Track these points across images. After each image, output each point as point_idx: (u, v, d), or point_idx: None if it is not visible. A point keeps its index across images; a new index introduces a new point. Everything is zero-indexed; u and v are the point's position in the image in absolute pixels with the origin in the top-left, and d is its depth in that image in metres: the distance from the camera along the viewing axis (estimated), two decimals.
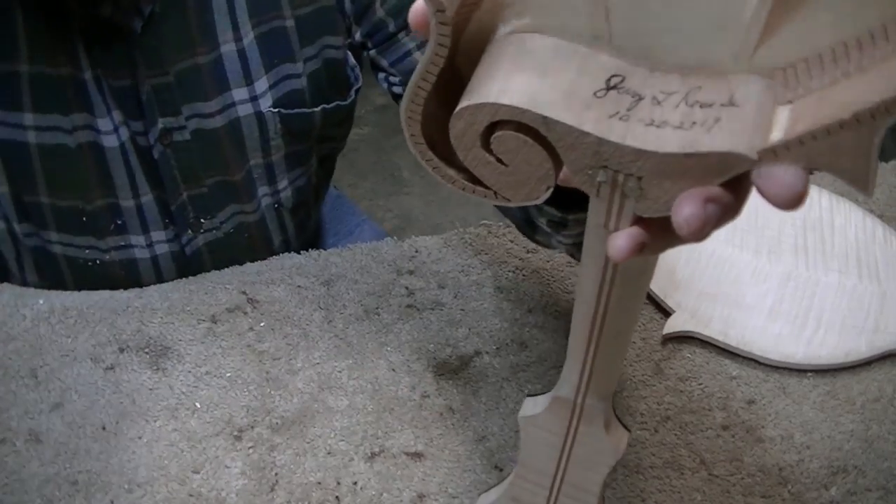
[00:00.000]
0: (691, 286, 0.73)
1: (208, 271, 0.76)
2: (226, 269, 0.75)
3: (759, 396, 0.67)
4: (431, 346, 0.69)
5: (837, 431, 0.65)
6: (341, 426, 0.64)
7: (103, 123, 0.69)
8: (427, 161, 0.41)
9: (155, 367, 0.67)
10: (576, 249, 0.65)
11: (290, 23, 0.71)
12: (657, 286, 0.73)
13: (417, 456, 0.62)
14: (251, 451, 0.62)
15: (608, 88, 0.35)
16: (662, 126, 0.34)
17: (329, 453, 0.62)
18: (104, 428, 0.63)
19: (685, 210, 0.35)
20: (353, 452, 0.62)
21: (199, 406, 0.65)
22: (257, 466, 0.61)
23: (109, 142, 0.70)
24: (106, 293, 0.72)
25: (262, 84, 0.72)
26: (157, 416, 0.64)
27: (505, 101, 0.35)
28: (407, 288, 0.74)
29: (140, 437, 0.62)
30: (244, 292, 0.72)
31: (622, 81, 0.35)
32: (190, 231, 0.76)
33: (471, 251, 0.77)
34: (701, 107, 0.34)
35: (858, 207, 0.80)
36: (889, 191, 0.85)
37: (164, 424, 0.63)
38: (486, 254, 0.77)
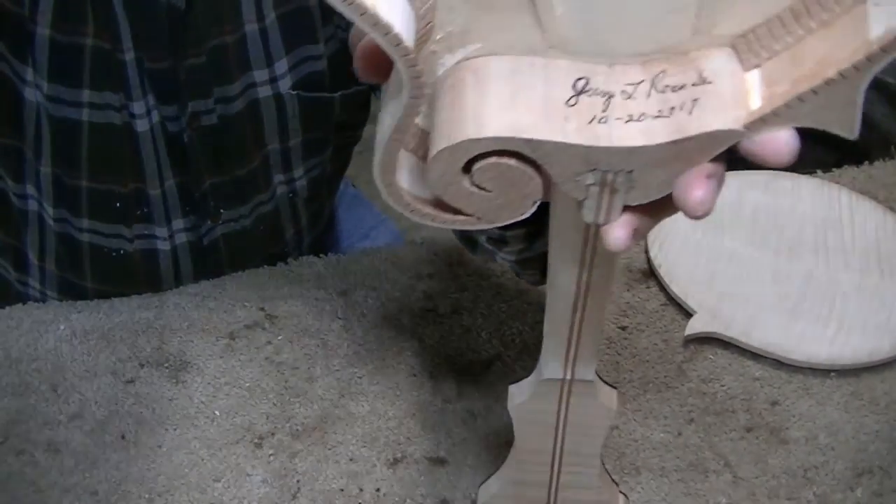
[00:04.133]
0: (712, 287, 0.72)
1: (223, 263, 0.76)
2: (244, 281, 0.74)
3: (783, 397, 0.67)
4: (452, 350, 0.69)
5: (862, 432, 0.64)
6: (363, 432, 0.64)
7: (138, 107, 0.69)
8: (409, 210, 0.40)
9: (174, 380, 0.66)
10: (520, 267, 0.65)
11: (313, 1, 0.71)
12: (678, 287, 0.72)
13: (440, 461, 0.62)
14: (272, 458, 0.62)
15: (577, 94, 0.34)
16: (643, 119, 0.34)
17: (351, 460, 0.62)
18: (123, 437, 0.63)
19: (696, 194, 0.35)
20: (376, 458, 0.62)
21: (218, 414, 0.64)
22: (279, 474, 0.61)
23: (142, 126, 0.70)
24: (125, 314, 0.71)
25: (281, 65, 0.72)
26: (177, 424, 0.64)
27: (484, 134, 0.35)
28: (426, 292, 0.73)
29: (160, 447, 0.62)
30: (262, 308, 0.72)
31: (587, 84, 0.35)
32: (210, 221, 0.76)
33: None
34: (673, 90, 0.34)
35: (878, 205, 0.80)
36: None
37: (184, 433, 0.63)
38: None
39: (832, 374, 0.68)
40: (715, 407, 0.66)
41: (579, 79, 0.35)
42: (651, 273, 0.75)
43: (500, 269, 0.75)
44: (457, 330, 0.71)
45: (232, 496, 0.60)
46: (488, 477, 0.55)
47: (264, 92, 0.72)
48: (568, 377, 0.49)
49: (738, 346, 0.70)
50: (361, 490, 0.60)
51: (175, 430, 0.63)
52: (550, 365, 0.49)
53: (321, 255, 0.77)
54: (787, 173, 0.82)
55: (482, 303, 0.73)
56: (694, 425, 0.65)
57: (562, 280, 0.45)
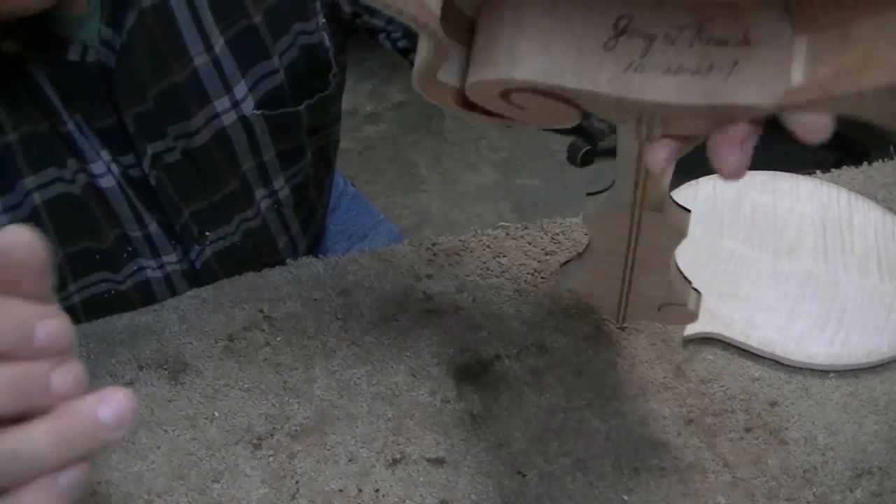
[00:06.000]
0: (711, 287, 0.72)
1: (220, 279, 0.76)
2: (242, 283, 0.74)
3: (782, 398, 0.67)
4: (451, 350, 0.69)
5: (861, 433, 0.64)
6: (362, 433, 0.64)
7: (97, 167, 0.68)
8: (452, 110, 0.40)
9: (173, 382, 0.66)
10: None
11: (258, 19, 0.70)
12: None
13: (439, 462, 0.62)
14: (271, 458, 0.62)
15: (618, 35, 0.33)
16: (679, 72, 0.33)
17: (350, 460, 0.62)
18: (123, 438, 0.62)
19: (729, 161, 0.35)
20: (375, 459, 0.62)
21: (217, 415, 0.64)
22: (277, 475, 0.61)
23: (106, 182, 0.69)
24: (125, 319, 0.71)
25: (241, 88, 0.71)
26: (176, 425, 0.64)
27: (516, 76, 0.34)
28: (425, 293, 0.73)
29: (159, 447, 0.62)
30: (261, 310, 0.72)
31: (630, 22, 0.33)
32: (197, 245, 0.76)
33: (489, 254, 0.77)
34: (716, 44, 0.32)
35: (877, 206, 0.80)
36: None
37: (183, 434, 0.63)
38: (504, 256, 0.76)
39: (831, 374, 0.68)
40: (714, 407, 0.66)
41: (622, 16, 0.33)
42: None
43: (500, 269, 0.75)
44: (457, 330, 0.70)
45: (231, 497, 0.60)
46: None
47: (229, 118, 0.71)
48: (637, 204, 0.48)
49: (737, 347, 0.70)
50: (360, 490, 0.60)
51: (174, 431, 0.63)
52: (621, 194, 0.48)
53: (320, 256, 0.77)
54: (787, 174, 0.82)
55: (482, 303, 0.73)
56: (693, 426, 0.65)
57: (626, 142, 0.44)
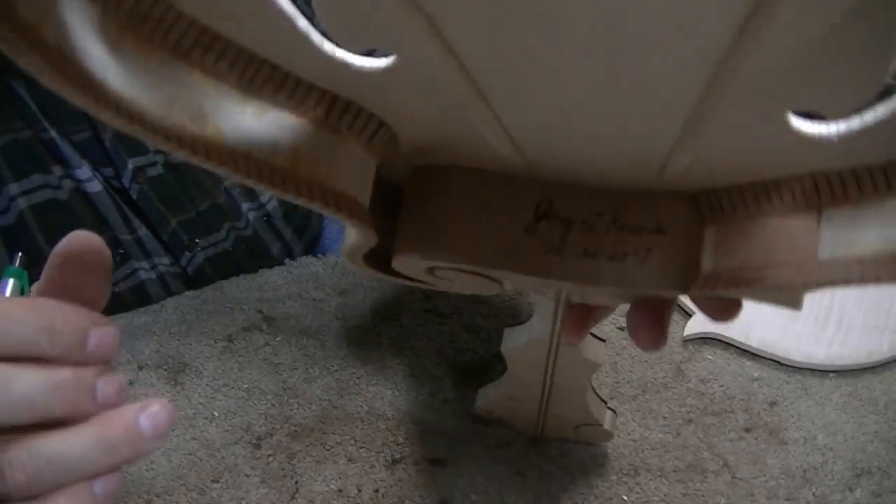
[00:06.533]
0: None
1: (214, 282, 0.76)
2: (241, 284, 0.74)
3: (782, 398, 0.67)
4: (451, 350, 0.69)
5: (861, 433, 0.64)
6: (361, 433, 0.63)
7: (82, 172, 0.69)
8: (381, 278, 0.42)
9: (173, 382, 0.66)
10: None
11: None
12: None
13: (439, 462, 0.62)
14: (270, 459, 0.62)
15: (538, 219, 0.35)
16: (597, 256, 0.34)
17: (350, 460, 0.62)
18: (158, 447, 0.62)
19: (648, 335, 0.37)
20: (374, 459, 0.62)
21: (216, 415, 0.64)
22: (277, 475, 0.61)
23: (93, 187, 0.69)
24: (124, 319, 0.71)
25: None
26: (175, 425, 0.64)
27: (439, 261, 0.36)
28: (425, 293, 0.73)
29: (158, 447, 0.62)
30: (260, 311, 0.72)
31: (550, 206, 0.35)
32: (188, 252, 0.76)
33: None
34: (630, 232, 0.34)
35: None
36: None
37: (182, 434, 0.63)
38: None
39: (831, 374, 0.68)
40: (713, 407, 0.66)
41: (542, 201, 0.35)
42: None
43: None
44: (457, 330, 0.70)
45: (230, 496, 0.60)
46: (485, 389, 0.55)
47: None
48: (555, 339, 0.51)
49: (736, 347, 0.70)
50: (360, 491, 0.60)
51: (173, 431, 0.63)
52: (538, 327, 0.51)
53: (319, 256, 0.77)
54: None
55: (482, 303, 0.72)
56: (692, 426, 0.65)
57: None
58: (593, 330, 0.54)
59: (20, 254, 0.36)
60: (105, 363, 0.35)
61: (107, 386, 0.34)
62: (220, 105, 0.28)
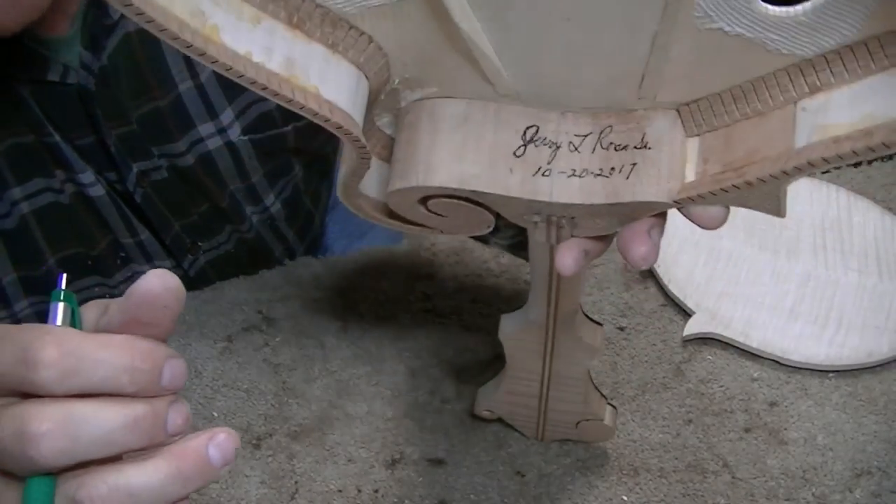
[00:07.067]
0: (710, 287, 0.72)
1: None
2: (241, 284, 0.74)
3: (781, 398, 0.67)
4: (450, 351, 0.69)
5: (861, 433, 0.64)
6: (361, 433, 0.63)
7: (85, 177, 0.69)
8: (374, 220, 0.45)
9: None
10: (513, 250, 0.65)
11: None
12: (676, 288, 0.72)
13: (438, 462, 0.62)
14: (270, 459, 0.62)
15: (525, 143, 0.36)
16: (584, 175, 0.36)
17: (349, 460, 0.62)
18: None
19: (639, 250, 0.38)
20: (374, 459, 0.62)
21: (216, 415, 0.64)
22: (276, 475, 0.61)
23: (95, 191, 0.69)
24: None
25: (227, 115, 0.71)
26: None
27: (431, 183, 0.37)
28: (424, 293, 0.73)
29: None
30: (260, 311, 0.72)
31: (537, 132, 0.36)
32: (190, 255, 0.76)
33: (489, 254, 0.76)
34: (616, 149, 0.36)
35: (876, 205, 0.80)
36: None
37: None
38: (504, 256, 0.76)
39: (831, 374, 0.68)
40: (713, 407, 0.66)
41: (529, 126, 0.37)
42: (649, 273, 0.75)
43: (500, 269, 0.75)
44: (456, 330, 0.70)
45: (230, 497, 0.60)
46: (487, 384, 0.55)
47: (214, 143, 0.72)
48: (551, 322, 0.51)
49: (736, 347, 0.70)
50: (360, 491, 0.60)
51: None
52: (535, 309, 0.51)
53: (319, 256, 0.77)
54: None
55: (482, 303, 0.72)
56: (692, 426, 0.65)
57: (538, 257, 0.47)
58: (589, 314, 0.55)
59: (64, 274, 0.36)
60: (174, 394, 0.35)
61: (177, 416, 0.35)
62: (217, 4, 0.30)
